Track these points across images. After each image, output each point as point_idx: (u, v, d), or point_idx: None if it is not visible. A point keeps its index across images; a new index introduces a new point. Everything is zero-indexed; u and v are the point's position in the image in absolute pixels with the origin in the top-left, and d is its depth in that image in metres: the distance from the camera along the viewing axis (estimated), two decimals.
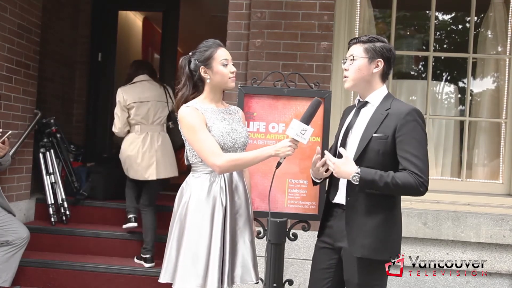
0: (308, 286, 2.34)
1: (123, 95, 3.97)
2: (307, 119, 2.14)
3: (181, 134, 2.29)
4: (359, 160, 2.09)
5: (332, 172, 2.15)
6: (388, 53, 2.16)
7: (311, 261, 2.37)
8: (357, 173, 2.01)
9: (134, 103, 3.94)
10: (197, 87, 2.33)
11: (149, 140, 3.96)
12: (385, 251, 2.10)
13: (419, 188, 2.00)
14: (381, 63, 2.15)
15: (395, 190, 2.03)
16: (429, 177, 2.07)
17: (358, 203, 2.10)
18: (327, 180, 2.32)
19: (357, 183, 2.02)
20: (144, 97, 3.98)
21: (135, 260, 3.93)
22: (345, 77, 2.20)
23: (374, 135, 2.08)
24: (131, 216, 4.00)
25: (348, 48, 2.24)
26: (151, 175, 3.92)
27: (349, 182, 2.10)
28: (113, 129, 4.02)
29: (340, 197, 2.20)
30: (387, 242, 2.10)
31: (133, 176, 3.99)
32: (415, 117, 2.06)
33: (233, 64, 2.32)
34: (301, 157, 2.70)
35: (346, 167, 2.04)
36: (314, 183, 2.36)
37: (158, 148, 3.97)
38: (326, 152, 2.15)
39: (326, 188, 2.36)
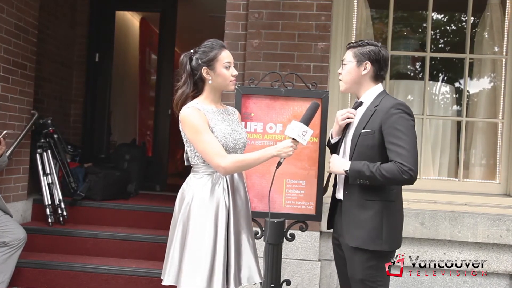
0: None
1: None
2: (306, 121, 2.18)
3: (182, 135, 2.27)
4: (355, 155, 2.23)
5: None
6: (376, 56, 2.27)
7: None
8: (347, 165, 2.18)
9: None
10: (196, 85, 2.31)
11: None
12: (380, 242, 2.16)
13: (402, 175, 2.06)
14: (368, 65, 2.28)
15: (381, 180, 2.11)
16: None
17: (353, 196, 2.23)
18: (333, 178, 2.45)
19: (347, 174, 2.18)
20: None
21: None
22: (340, 80, 2.36)
23: (362, 131, 2.23)
24: None
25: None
26: None
27: (346, 177, 2.24)
28: None
29: (340, 194, 2.33)
30: (382, 233, 2.16)
31: None
32: (399, 110, 2.16)
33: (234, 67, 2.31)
34: (299, 158, 2.70)
35: (338, 162, 2.25)
36: None
37: None
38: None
39: (332, 186, 2.46)
